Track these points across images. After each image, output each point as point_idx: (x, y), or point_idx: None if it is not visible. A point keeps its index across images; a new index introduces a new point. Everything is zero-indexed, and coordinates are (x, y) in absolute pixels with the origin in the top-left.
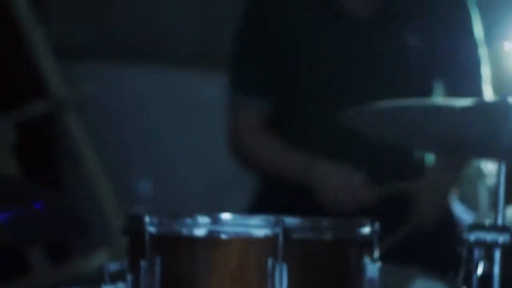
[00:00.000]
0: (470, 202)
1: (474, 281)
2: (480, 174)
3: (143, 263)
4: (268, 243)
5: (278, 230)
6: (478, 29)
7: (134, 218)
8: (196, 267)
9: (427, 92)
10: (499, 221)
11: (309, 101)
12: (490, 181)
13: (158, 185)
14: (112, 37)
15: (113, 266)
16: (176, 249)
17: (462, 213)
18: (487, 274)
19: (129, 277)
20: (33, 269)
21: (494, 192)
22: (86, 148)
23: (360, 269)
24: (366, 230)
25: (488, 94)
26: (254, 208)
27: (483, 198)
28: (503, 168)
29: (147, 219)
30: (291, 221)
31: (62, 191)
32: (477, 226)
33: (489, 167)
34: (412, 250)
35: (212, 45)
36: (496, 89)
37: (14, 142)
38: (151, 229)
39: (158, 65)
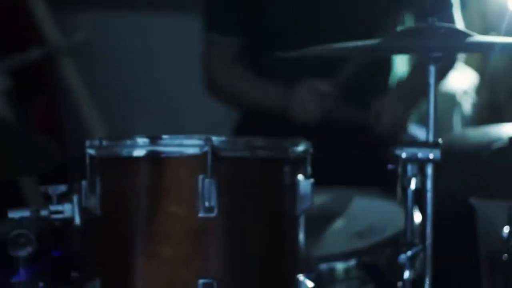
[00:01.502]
0: (444, 132)
1: (409, 196)
2: (454, 104)
3: (83, 184)
4: (198, 161)
5: (207, 148)
6: None
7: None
8: (132, 185)
9: (395, 23)
10: (430, 137)
11: (279, 37)
12: (465, 110)
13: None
14: None
15: (60, 188)
16: (114, 169)
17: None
18: (421, 188)
19: (74, 198)
20: None
21: (467, 119)
22: (81, 93)
23: (294, 186)
24: (299, 148)
25: (459, 21)
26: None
27: (457, 127)
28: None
29: (87, 142)
30: (220, 140)
31: (60, 136)
32: (409, 143)
33: (464, 96)
34: (350, 171)
35: None
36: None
37: (9, 87)
38: (91, 151)
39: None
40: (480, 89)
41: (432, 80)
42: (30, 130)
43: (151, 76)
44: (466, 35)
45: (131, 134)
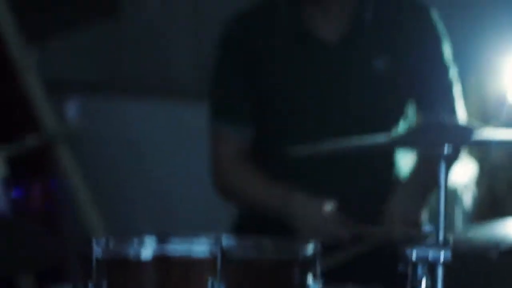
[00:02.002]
0: (446, 225)
1: None
2: (455, 199)
3: (90, 286)
4: (207, 263)
5: (217, 250)
6: (447, 50)
7: (85, 242)
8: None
9: (399, 115)
10: (440, 237)
11: (283, 128)
12: (466, 204)
13: (152, 216)
14: (108, 71)
15: None
16: (121, 271)
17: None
18: None
19: None
20: None
21: (468, 213)
22: (78, 180)
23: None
24: (309, 250)
25: (461, 114)
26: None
27: (459, 221)
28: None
29: (94, 242)
30: (230, 241)
31: (55, 224)
32: (418, 243)
33: (465, 190)
34: (354, 267)
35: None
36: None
37: (5, 175)
38: (97, 252)
39: (153, 97)
40: (479, 182)
41: (443, 178)
42: (27, 222)
43: (150, 165)
44: (480, 132)
45: (137, 232)
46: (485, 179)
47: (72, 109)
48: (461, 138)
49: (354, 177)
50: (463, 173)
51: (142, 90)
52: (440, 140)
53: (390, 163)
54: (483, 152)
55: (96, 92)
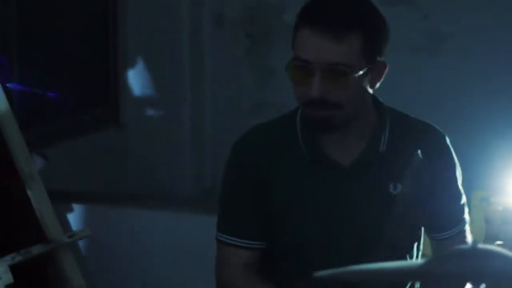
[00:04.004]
0: None
1: None
2: None
3: None
4: None
5: None
6: (460, 176)
7: None
8: None
9: (413, 240)
10: None
11: (293, 249)
12: None
13: None
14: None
15: None
16: None
17: None
18: None
19: None
20: None
21: None
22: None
23: None
24: None
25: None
26: None
27: None
28: None
29: None
30: None
31: None
32: None
33: None
34: None
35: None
36: None
37: (10, 283)
38: None
39: (154, 207)
40: None
41: None
42: None
43: (155, 274)
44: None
45: None
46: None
47: (76, 217)
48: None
49: None
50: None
51: (144, 200)
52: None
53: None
54: None
55: (99, 200)
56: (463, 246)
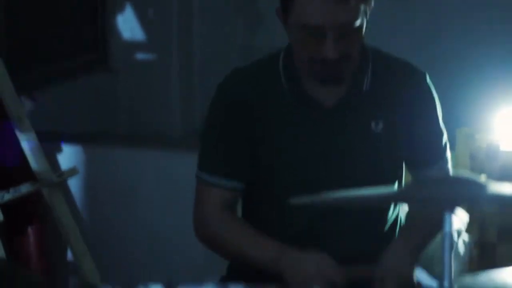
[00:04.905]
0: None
1: None
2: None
3: None
4: None
5: None
6: (440, 115)
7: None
8: None
9: (395, 177)
10: (446, 285)
11: (275, 186)
12: (459, 250)
13: (147, 262)
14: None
15: None
16: None
17: (425, 280)
18: None
19: None
20: None
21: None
22: (71, 226)
23: None
24: None
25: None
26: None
27: (454, 268)
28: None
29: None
30: None
31: (49, 270)
32: None
33: (457, 236)
34: None
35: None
36: None
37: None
38: None
39: (143, 147)
40: (470, 228)
41: (448, 228)
42: (20, 266)
43: (143, 212)
44: (485, 187)
45: (144, 280)
46: (475, 224)
47: (66, 157)
48: (474, 194)
49: (349, 231)
50: (456, 219)
51: (134, 140)
52: (452, 195)
53: (384, 218)
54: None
55: (90, 141)
56: (439, 174)
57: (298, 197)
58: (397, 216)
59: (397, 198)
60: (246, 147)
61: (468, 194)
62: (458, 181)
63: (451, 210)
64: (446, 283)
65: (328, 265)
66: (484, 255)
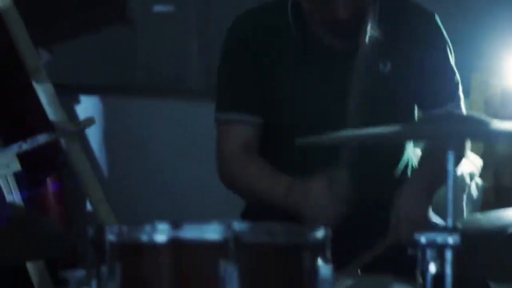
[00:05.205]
0: (455, 215)
1: (428, 280)
2: (463, 186)
3: (103, 269)
4: (220, 247)
5: (229, 234)
6: (452, 56)
7: (97, 228)
8: (152, 272)
9: (406, 118)
10: (449, 222)
11: (289, 125)
12: (473, 193)
13: (162, 209)
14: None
15: (79, 273)
16: (134, 255)
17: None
18: (440, 274)
19: (93, 283)
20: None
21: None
22: (88, 175)
23: (314, 271)
24: (319, 234)
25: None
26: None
27: (466, 210)
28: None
29: (107, 228)
30: (241, 225)
31: (67, 217)
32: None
33: (471, 180)
34: (385, 258)
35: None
36: None
37: (17, 170)
38: (111, 237)
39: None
40: (484, 173)
41: (451, 167)
42: (39, 215)
43: (160, 161)
44: (487, 123)
45: (150, 219)
46: (490, 169)
47: (83, 107)
48: (477, 130)
49: (361, 170)
50: (468, 163)
51: (152, 90)
52: (455, 131)
53: (397, 159)
54: (488, 145)
55: (107, 92)
56: (440, 112)
57: (305, 138)
58: (408, 161)
59: (400, 135)
60: (257, 83)
61: (470, 130)
62: (461, 118)
63: (455, 147)
64: (449, 221)
65: (338, 197)
66: (500, 200)
